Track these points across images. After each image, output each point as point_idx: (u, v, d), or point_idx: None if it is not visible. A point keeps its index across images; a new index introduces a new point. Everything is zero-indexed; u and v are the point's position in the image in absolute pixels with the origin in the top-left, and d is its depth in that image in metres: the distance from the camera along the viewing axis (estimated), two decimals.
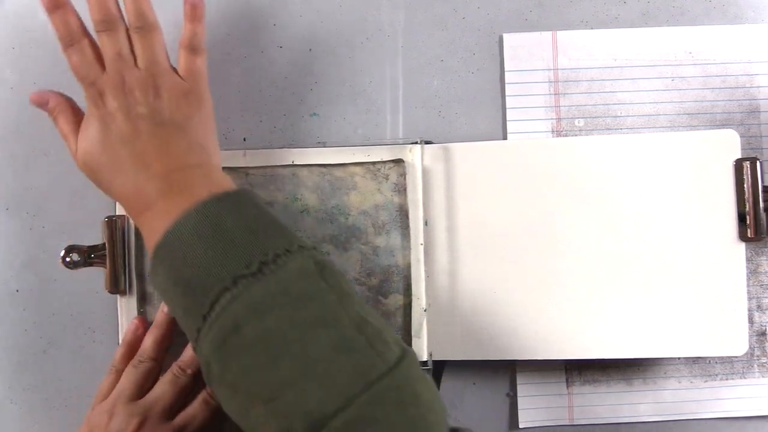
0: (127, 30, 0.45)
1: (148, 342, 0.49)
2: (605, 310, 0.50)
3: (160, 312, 0.50)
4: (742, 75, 0.53)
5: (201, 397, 0.48)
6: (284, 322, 0.36)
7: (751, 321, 0.53)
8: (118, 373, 0.49)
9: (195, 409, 0.47)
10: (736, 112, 0.53)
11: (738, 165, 0.50)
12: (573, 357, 0.51)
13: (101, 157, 0.44)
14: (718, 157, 0.51)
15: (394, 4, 0.54)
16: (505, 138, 0.53)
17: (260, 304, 0.36)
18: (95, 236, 0.52)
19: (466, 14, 0.54)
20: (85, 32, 0.45)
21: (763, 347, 0.53)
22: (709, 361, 0.53)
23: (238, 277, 0.37)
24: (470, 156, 0.51)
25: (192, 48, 0.46)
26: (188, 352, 0.48)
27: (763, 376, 0.53)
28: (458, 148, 0.51)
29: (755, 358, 0.53)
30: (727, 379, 0.53)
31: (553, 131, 0.53)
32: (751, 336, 0.53)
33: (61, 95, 0.47)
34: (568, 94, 0.53)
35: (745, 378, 0.53)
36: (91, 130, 0.44)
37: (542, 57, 0.53)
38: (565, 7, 0.54)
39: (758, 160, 0.50)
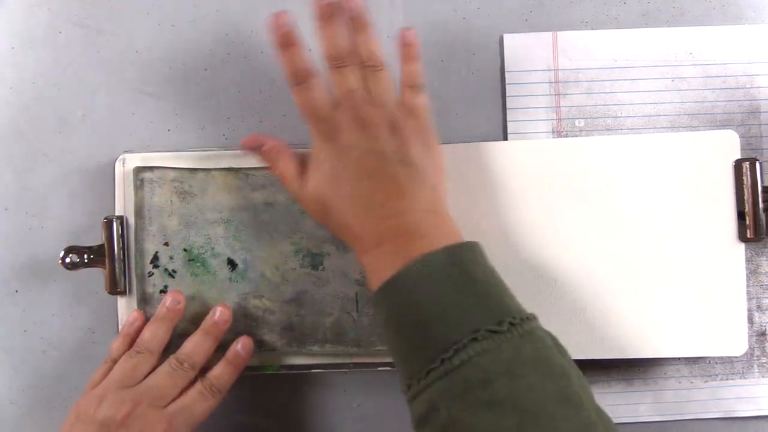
0: (361, 64, 0.45)
1: (147, 334, 0.48)
2: (605, 310, 0.50)
3: (162, 306, 0.49)
4: (742, 75, 0.53)
5: (197, 387, 0.46)
6: (538, 391, 0.35)
7: (750, 321, 0.53)
8: (113, 364, 0.47)
9: (190, 398, 0.46)
10: (736, 112, 0.53)
11: (738, 165, 0.50)
12: (573, 357, 0.51)
13: (334, 193, 0.43)
14: (718, 158, 0.51)
15: (394, 4, 0.54)
16: (505, 138, 0.53)
17: (513, 363, 0.36)
18: (95, 237, 0.52)
19: (466, 14, 0.54)
20: (314, 70, 0.45)
21: (763, 347, 0.53)
22: (709, 362, 0.53)
23: (489, 331, 0.37)
24: (471, 157, 0.51)
25: (414, 86, 0.46)
26: (187, 346, 0.48)
27: (763, 377, 0.53)
28: (458, 149, 0.51)
29: (755, 358, 0.53)
30: (727, 379, 0.53)
31: (553, 132, 0.53)
32: (750, 336, 0.53)
33: (275, 138, 0.48)
34: (568, 94, 0.53)
35: (745, 378, 0.53)
36: (324, 166, 0.44)
37: (542, 57, 0.53)
38: (566, 7, 0.54)
39: (758, 160, 0.50)
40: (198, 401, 0.46)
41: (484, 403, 0.35)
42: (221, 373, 0.48)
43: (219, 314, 0.49)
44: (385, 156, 0.43)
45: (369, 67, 0.45)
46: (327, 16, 0.45)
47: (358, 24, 0.46)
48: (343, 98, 0.45)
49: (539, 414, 0.35)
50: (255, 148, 0.48)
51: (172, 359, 0.47)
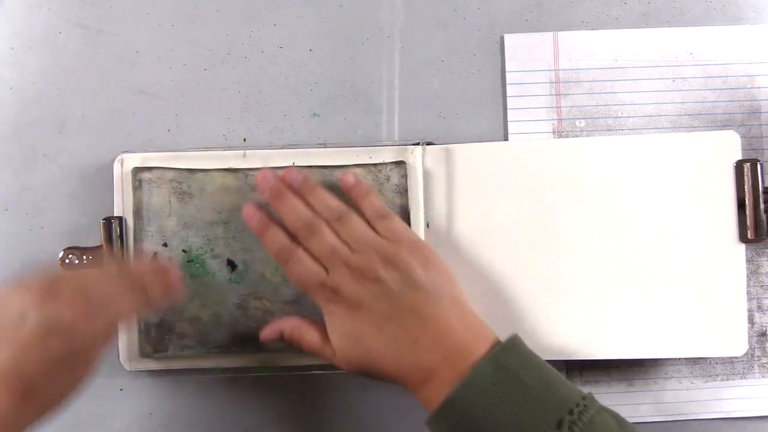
0: (327, 221, 0.46)
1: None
2: (606, 311, 0.50)
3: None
4: (743, 76, 0.53)
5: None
6: None
7: (751, 321, 0.53)
8: None
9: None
10: (737, 112, 0.53)
11: (738, 166, 0.50)
12: (573, 358, 0.51)
13: (364, 351, 0.43)
14: (719, 158, 0.51)
15: (394, 4, 0.54)
16: (506, 139, 0.53)
17: None
18: (95, 237, 0.52)
19: (466, 14, 0.54)
20: (296, 242, 0.45)
21: (764, 348, 0.53)
22: (710, 362, 0.53)
23: None
24: (471, 157, 0.51)
25: (382, 215, 0.47)
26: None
27: (763, 377, 0.53)
28: (459, 149, 0.51)
29: (756, 358, 0.53)
30: (727, 380, 0.53)
31: (554, 132, 0.53)
32: (751, 336, 0.53)
33: (289, 318, 0.47)
34: (569, 94, 0.53)
35: (745, 378, 0.53)
36: (341, 329, 0.44)
37: (543, 58, 0.53)
38: (566, 7, 0.54)
39: (759, 161, 0.50)
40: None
41: None
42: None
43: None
44: (394, 293, 0.43)
45: (335, 220, 0.46)
46: (277, 195, 0.46)
47: (305, 189, 0.47)
48: (328, 260, 0.44)
49: None
50: (276, 339, 0.47)
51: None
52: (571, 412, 0.38)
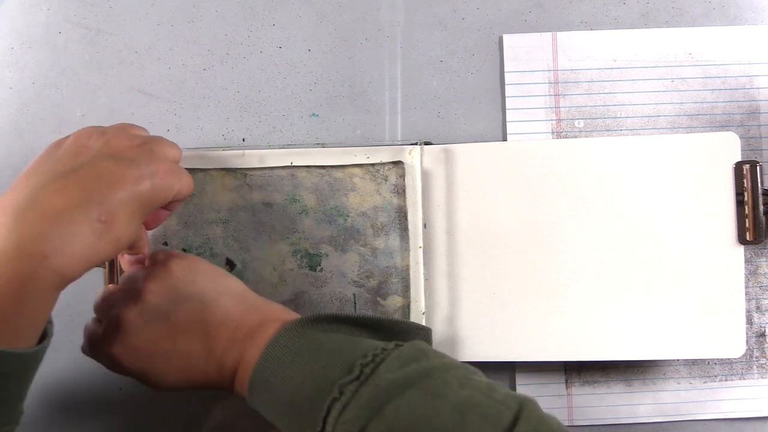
0: None
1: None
2: (605, 312, 0.50)
3: None
4: (742, 76, 0.53)
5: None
6: (402, 410, 0.36)
7: (750, 322, 0.53)
8: None
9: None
10: (736, 113, 0.53)
11: (738, 167, 0.50)
12: (571, 359, 0.51)
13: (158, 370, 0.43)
14: (718, 160, 0.50)
15: (394, 4, 0.54)
16: (504, 139, 0.53)
17: (374, 401, 0.36)
18: None
19: (465, 15, 0.54)
20: None
21: (762, 348, 0.53)
22: (709, 363, 0.53)
23: (342, 384, 0.37)
24: (470, 157, 0.51)
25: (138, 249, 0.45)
26: None
27: (762, 377, 0.53)
28: (458, 150, 0.51)
29: (754, 359, 0.53)
30: (726, 380, 0.53)
31: (553, 132, 0.53)
32: (750, 337, 0.53)
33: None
34: (568, 95, 0.53)
35: (744, 379, 0.53)
36: (133, 361, 0.44)
37: (542, 58, 0.53)
38: (565, 8, 0.54)
39: (758, 163, 0.50)
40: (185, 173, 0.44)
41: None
42: None
43: None
44: (160, 314, 0.43)
45: None
46: None
47: None
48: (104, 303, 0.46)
49: (416, 426, 0.35)
50: None
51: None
52: (365, 356, 0.38)
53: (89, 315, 0.53)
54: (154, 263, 0.45)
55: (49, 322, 0.39)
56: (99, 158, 0.39)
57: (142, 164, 0.39)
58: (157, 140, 0.42)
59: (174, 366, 0.42)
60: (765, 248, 0.53)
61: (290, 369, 0.39)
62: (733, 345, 0.50)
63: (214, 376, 0.42)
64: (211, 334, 0.42)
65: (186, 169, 0.50)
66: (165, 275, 0.43)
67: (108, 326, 0.43)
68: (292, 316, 0.43)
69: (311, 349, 0.39)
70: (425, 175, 0.51)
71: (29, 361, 0.37)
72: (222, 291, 0.44)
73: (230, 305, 0.43)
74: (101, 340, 0.44)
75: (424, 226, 0.51)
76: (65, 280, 0.37)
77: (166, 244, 0.51)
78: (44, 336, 0.38)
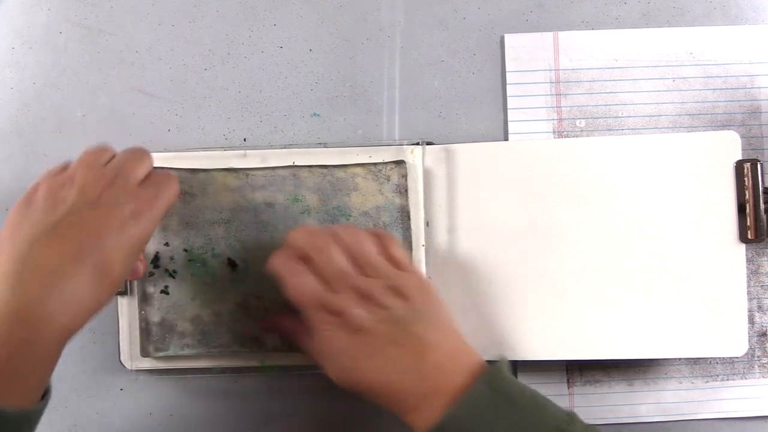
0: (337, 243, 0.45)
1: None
2: (606, 311, 0.50)
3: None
4: (743, 76, 0.53)
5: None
6: None
7: (752, 321, 0.53)
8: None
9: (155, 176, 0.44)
10: (737, 112, 0.53)
11: (739, 166, 0.50)
12: (573, 358, 0.51)
13: (356, 370, 0.43)
14: (719, 159, 0.51)
15: (395, 4, 0.54)
16: (506, 139, 0.53)
17: None
18: None
19: (466, 14, 0.54)
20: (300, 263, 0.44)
21: (764, 348, 0.53)
22: (710, 362, 0.53)
23: None
24: (472, 157, 0.51)
25: (393, 244, 0.46)
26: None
27: (763, 377, 0.53)
28: (459, 149, 0.51)
29: (756, 358, 0.53)
30: (727, 380, 0.53)
31: (554, 132, 0.53)
32: (751, 336, 0.53)
33: (292, 320, 0.46)
34: (569, 94, 0.53)
35: (746, 378, 0.53)
36: (337, 345, 0.43)
37: (543, 57, 0.53)
38: (566, 7, 0.54)
39: (759, 161, 0.50)
40: (164, 182, 0.44)
41: None
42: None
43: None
44: (397, 319, 0.42)
45: (348, 240, 0.45)
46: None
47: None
48: (335, 280, 0.43)
49: None
50: (273, 331, 0.49)
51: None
52: (559, 429, 0.39)
53: None
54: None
55: None
56: (78, 210, 0.39)
57: (121, 204, 0.40)
58: (125, 164, 0.42)
59: (379, 367, 0.42)
60: (766, 247, 0.53)
61: (489, 426, 0.39)
62: (735, 344, 0.50)
63: (398, 395, 0.42)
64: (425, 358, 0.42)
65: (187, 169, 0.51)
66: (430, 289, 0.45)
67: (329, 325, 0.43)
68: (481, 360, 0.43)
69: (509, 408, 0.40)
70: (427, 175, 0.51)
71: (34, 418, 0.38)
72: (446, 323, 0.44)
73: (445, 335, 0.44)
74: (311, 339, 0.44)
75: (427, 224, 0.51)
76: (71, 334, 0.38)
77: (167, 244, 0.50)
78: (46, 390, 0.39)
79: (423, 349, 0.42)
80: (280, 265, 0.44)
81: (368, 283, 0.43)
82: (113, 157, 0.43)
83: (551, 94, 0.53)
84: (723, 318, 0.50)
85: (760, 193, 0.50)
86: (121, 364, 0.51)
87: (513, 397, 0.40)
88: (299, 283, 0.43)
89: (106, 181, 0.41)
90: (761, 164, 0.50)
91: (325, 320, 0.43)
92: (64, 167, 0.43)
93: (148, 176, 0.43)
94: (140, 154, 0.43)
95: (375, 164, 0.51)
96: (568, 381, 0.53)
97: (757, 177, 0.50)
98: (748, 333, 0.51)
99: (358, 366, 0.42)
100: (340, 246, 0.44)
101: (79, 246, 0.37)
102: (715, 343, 0.50)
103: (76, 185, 0.40)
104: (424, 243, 0.50)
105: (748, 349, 0.50)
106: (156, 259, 0.50)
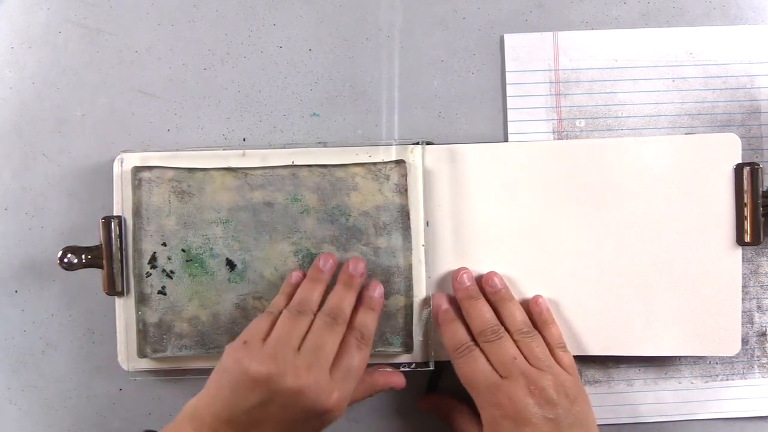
0: (510, 333, 0.48)
1: (303, 294, 0.47)
2: (605, 311, 0.51)
3: (314, 268, 0.49)
4: (742, 76, 0.53)
5: (352, 342, 0.46)
6: None
7: (751, 321, 0.53)
8: (274, 318, 0.46)
9: (350, 355, 0.45)
10: (736, 112, 0.53)
11: (738, 169, 0.50)
12: (572, 355, 0.51)
13: None
14: (719, 161, 0.50)
15: (394, 4, 0.54)
16: (506, 138, 0.53)
17: None
18: (94, 236, 0.52)
19: (466, 14, 0.54)
20: (472, 344, 0.48)
21: (764, 348, 0.53)
22: (710, 362, 0.53)
23: None
24: (472, 157, 0.51)
25: (561, 346, 0.49)
26: (332, 300, 0.47)
27: (763, 377, 0.53)
28: (459, 149, 0.51)
29: (755, 358, 0.53)
30: (727, 380, 0.53)
31: (554, 132, 0.53)
32: (751, 336, 0.53)
33: (448, 399, 0.51)
34: (569, 94, 0.53)
35: (745, 378, 0.53)
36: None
37: (543, 57, 0.53)
38: (566, 7, 0.54)
39: (759, 165, 0.50)
40: (356, 355, 0.45)
41: None
42: (364, 319, 0.47)
43: (352, 266, 0.48)
44: (560, 418, 0.44)
45: (523, 333, 0.47)
46: (470, 296, 0.49)
47: (498, 298, 0.49)
48: (507, 367, 0.45)
49: None
50: (429, 410, 0.52)
51: (323, 315, 0.46)
52: None
53: (89, 315, 0.53)
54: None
55: None
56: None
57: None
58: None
59: None
60: (766, 247, 0.53)
61: None
62: (729, 344, 0.50)
63: None
64: None
65: (186, 168, 0.50)
66: (585, 394, 0.47)
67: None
68: None
69: None
70: (427, 174, 0.51)
71: None
72: (593, 425, 0.46)
73: None
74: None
75: (427, 224, 0.51)
76: None
77: (164, 244, 0.50)
78: None
79: None
80: (456, 342, 0.48)
81: (539, 376, 0.45)
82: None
83: (551, 94, 0.53)
84: (718, 319, 0.50)
85: (759, 197, 0.50)
86: (119, 365, 0.51)
87: None
88: (471, 368, 0.46)
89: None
90: (761, 168, 0.50)
91: (496, 405, 0.45)
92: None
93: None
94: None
95: (375, 164, 0.51)
96: None
97: (757, 181, 0.50)
98: (748, 333, 0.51)
99: None
100: (510, 336, 0.48)
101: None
102: (709, 343, 0.50)
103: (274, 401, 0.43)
104: (423, 242, 0.50)
105: (748, 349, 0.50)
106: (153, 259, 0.50)
